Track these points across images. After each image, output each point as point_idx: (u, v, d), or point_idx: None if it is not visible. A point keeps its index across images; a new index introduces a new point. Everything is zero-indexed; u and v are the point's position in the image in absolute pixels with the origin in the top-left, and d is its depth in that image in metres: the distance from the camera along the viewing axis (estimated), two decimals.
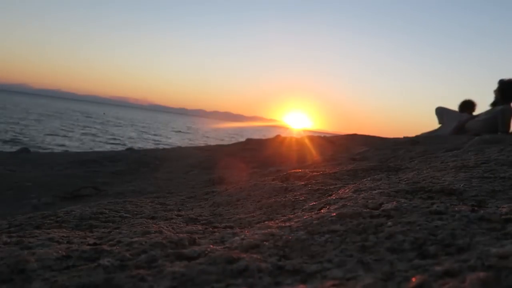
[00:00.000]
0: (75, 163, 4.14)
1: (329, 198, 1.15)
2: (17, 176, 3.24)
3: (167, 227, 0.99)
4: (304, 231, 0.79)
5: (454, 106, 6.00)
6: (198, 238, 0.86)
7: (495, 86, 5.29)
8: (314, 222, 0.84)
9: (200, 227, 1.01)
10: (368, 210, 0.88)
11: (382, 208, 0.88)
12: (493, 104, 5.32)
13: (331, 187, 1.39)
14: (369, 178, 1.44)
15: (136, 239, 0.82)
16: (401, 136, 5.87)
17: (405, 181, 1.25)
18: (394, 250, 0.65)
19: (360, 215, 0.85)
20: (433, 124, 5.98)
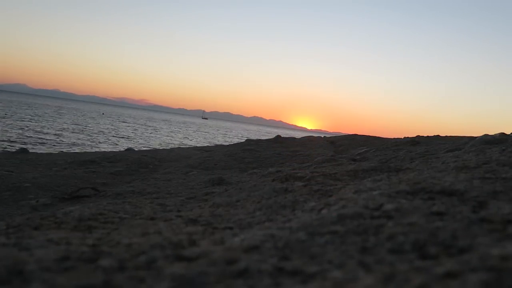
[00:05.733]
0: (74, 163, 4.14)
1: (329, 198, 1.15)
2: (15, 177, 3.23)
3: (166, 228, 0.98)
4: (304, 232, 0.79)
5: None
6: (198, 239, 0.86)
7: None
8: (314, 223, 0.84)
9: (200, 228, 1.01)
10: (368, 211, 0.88)
11: (382, 209, 0.88)
12: None
13: (331, 188, 1.39)
14: (369, 179, 1.44)
15: (135, 240, 0.82)
16: (402, 136, 5.85)
17: (405, 181, 1.25)
18: (395, 251, 0.65)
19: (360, 216, 0.85)
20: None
